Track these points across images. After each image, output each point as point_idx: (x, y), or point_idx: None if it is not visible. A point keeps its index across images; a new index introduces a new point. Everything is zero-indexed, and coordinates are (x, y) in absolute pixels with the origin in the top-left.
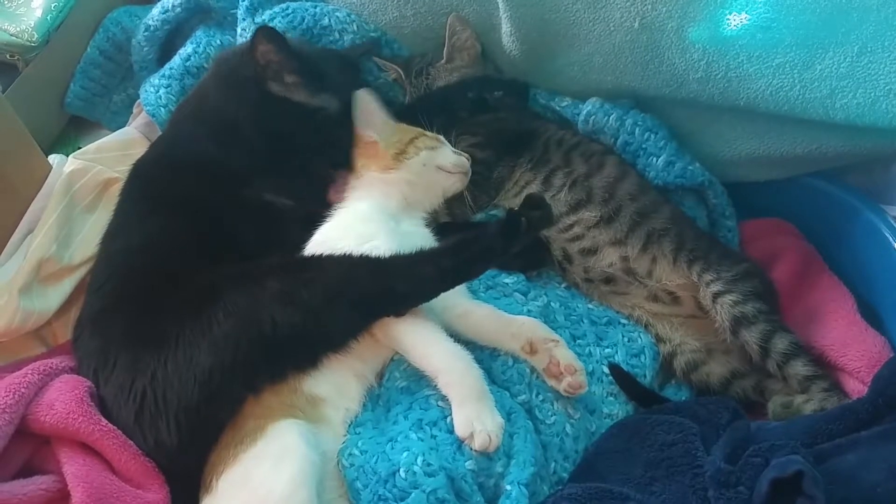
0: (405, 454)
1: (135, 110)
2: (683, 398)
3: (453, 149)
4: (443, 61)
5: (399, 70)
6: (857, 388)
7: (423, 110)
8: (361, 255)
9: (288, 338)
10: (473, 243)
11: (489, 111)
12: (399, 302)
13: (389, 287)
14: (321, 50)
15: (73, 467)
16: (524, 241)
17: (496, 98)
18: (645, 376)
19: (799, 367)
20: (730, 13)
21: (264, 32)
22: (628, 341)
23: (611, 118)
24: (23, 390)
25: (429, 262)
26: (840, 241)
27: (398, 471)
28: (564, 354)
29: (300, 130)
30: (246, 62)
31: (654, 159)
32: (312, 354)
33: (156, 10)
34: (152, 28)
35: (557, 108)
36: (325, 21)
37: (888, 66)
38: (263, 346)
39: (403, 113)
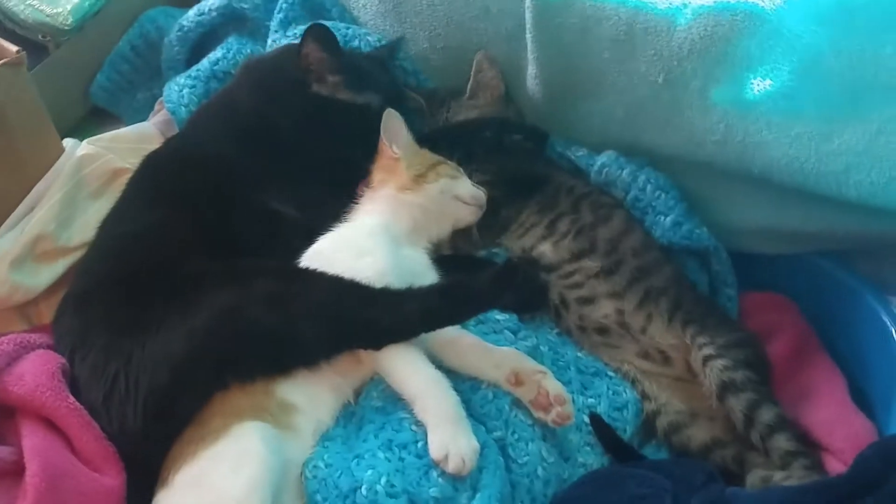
0: (370, 472)
1: (156, 107)
2: None
3: (471, 182)
4: (465, 96)
5: (421, 101)
6: (839, 469)
7: (441, 141)
8: (353, 281)
9: (261, 341)
10: (464, 288)
11: (504, 153)
12: (379, 335)
13: (372, 318)
14: (355, 52)
15: (32, 441)
16: (517, 293)
17: (514, 141)
18: (625, 431)
19: (782, 441)
20: (754, 78)
21: (315, 32)
22: (613, 394)
23: (624, 172)
24: None
25: (416, 300)
26: (840, 323)
27: (360, 488)
28: (553, 385)
29: (345, 127)
30: (286, 66)
31: (662, 218)
32: (282, 364)
33: (192, 12)
34: (186, 29)
35: (573, 158)
36: (356, 43)
37: None
38: (237, 343)
39: (419, 142)
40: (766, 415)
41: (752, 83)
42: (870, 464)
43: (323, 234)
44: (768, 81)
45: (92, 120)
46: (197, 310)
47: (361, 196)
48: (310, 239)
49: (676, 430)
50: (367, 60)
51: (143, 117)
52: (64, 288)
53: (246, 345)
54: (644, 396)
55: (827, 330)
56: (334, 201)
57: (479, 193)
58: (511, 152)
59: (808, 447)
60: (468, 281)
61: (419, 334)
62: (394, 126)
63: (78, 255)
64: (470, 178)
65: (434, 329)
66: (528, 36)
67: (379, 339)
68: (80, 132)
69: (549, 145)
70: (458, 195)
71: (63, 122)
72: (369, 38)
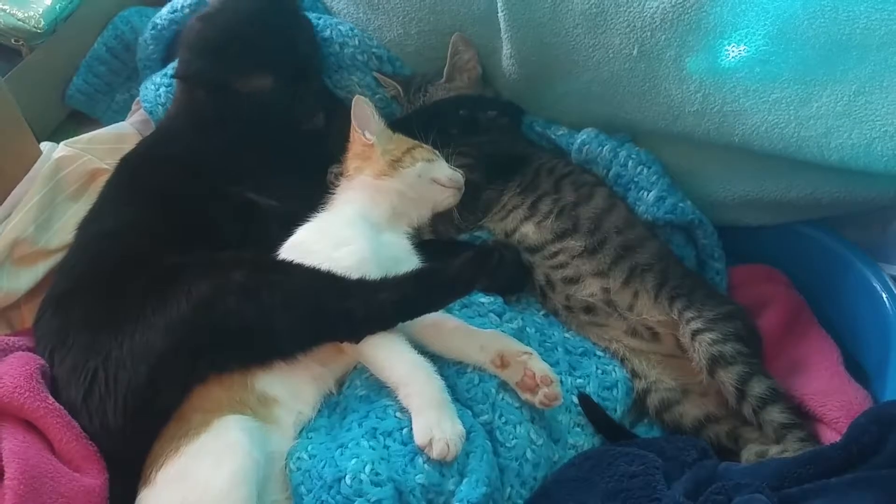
0: (354, 461)
1: (133, 107)
2: None
3: (449, 164)
4: (442, 80)
5: (398, 87)
6: (834, 439)
7: (415, 123)
8: (328, 272)
9: (237, 332)
10: (438, 274)
11: (480, 131)
12: (355, 326)
13: (347, 309)
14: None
15: (11, 444)
16: (492, 279)
17: (489, 118)
18: (616, 410)
19: (775, 414)
20: (728, 44)
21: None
22: (602, 374)
23: (605, 149)
24: None
25: (391, 289)
26: (831, 293)
27: (344, 477)
28: (539, 366)
29: (247, 115)
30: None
31: (645, 193)
32: (258, 355)
33: (164, 10)
34: (159, 27)
35: (553, 137)
36: (327, 33)
37: (885, 107)
38: (213, 334)
39: (395, 127)
40: (758, 387)
41: (726, 50)
42: (864, 430)
43: (301, 223)
44: (743, 47)
45: (71, 125)
46: (174, 303)
47: (336, 184)
48: (288, 227)
49: (668, 408)
50: (264, 35)
51: (121, 119)
52: (45, 291)
53: (222, 336)
54: (634, 375)
55: (818, 300)
56: (310, 188)
57: (457, 176)
58: (487, 130)
59: (803, 419)
60: (442, 268)
61: (396, 324)
62: (363, 112)
63: (58, 257)
64: (448, 161)
65: (410, 318)
66: (500, 15)
67: (355, 330)
68: (59, 135)
69: (529, 126)
70: (435, 178)
71: (42, 126)
72: (341, 27)
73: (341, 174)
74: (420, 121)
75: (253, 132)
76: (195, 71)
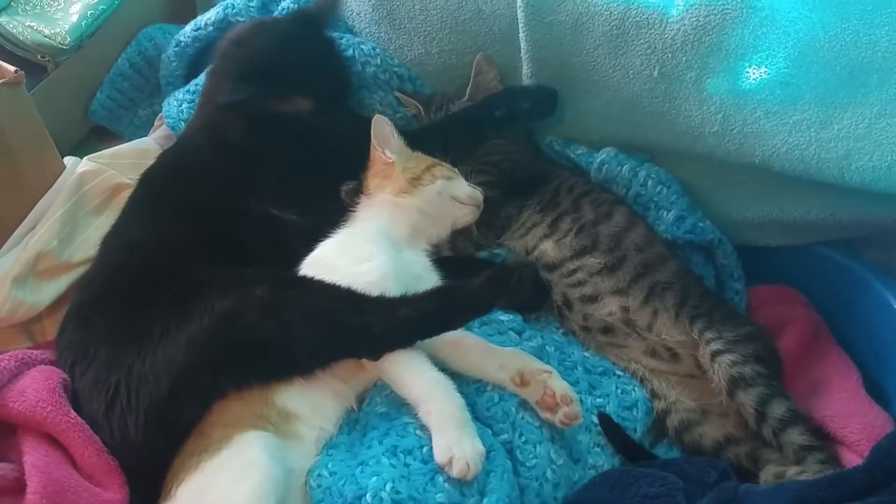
0: (374, 479)
1: (156, 122)
2: None
3: (468, 182)
4: (464, 99)
5: (419, 106)
6: (855, 462)
7: (447, 131)
8: (348, 289)
9: (258, 347)
10: (458, 292)
11: (518, 124)
12: (373, 343)
13: (365, 325)
14: (285, 42)
15: (33, 457)
16: (512, 298)
17: (525, 110)
18: (635, 430)
19: (795, 436)
20: (749, 66)
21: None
22: (622, 393)
23: (624, 168)
24: None
25: (410, 306)
26: (850, 314)
27: (365, 495)
28: (559, 385)
29: (285, 138)
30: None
31: (665, 213)
32: (278, 370)
33: (188, 27)
34: (183, 44)
35: (572, 156)
36: (350, 52)
37: None
38: (233, 349)
39: (419, 136)
40: (778, 409)
41: (747, 72)
42: (888, 454)
43: (322, 238)
44: (764, 69)
45: (94, 139)
46: (196, 318)
47: (348, 201)
48: (309, 243)
49: (688, 429)
50: (299, 58)
51: (144, 134)
52: (67, 304)
53: (242, 351)
54: (654, 395)
55: (838, 321)
56: (332, 202)
57: (476, 193)
58: (525, 120)
59: (823, 441)
60: (462, 285)
61: (415, 342)
62: (383, 131)
63: (80, 271)
64: (467, 178)
65: (429, 336)
66: (521, 35)
67: (374, 347)
68: (82, 150)
69: (548, 145)
70: (455, 196)
71: (65, 141)
72: (363, 46)
73: (352, 190)
74: (453, 129)
75: (282, 154)
76: (241, 98)
